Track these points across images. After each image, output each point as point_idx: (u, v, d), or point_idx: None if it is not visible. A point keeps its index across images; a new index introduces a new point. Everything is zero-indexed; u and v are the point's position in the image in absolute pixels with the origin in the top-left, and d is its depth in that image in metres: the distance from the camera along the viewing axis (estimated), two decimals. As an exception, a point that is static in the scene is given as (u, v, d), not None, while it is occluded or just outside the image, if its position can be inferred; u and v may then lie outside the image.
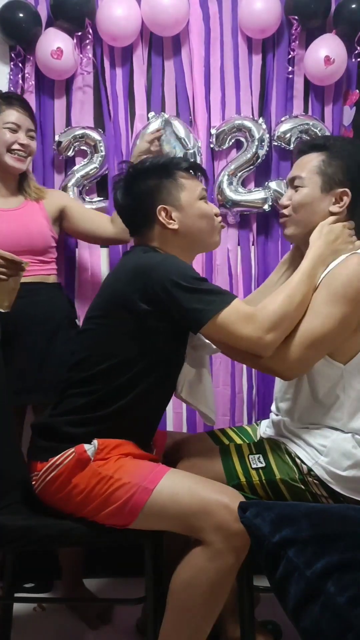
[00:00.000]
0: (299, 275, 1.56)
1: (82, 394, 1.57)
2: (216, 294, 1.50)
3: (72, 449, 1.53)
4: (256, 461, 1.60)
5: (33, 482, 1.58)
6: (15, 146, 2.03)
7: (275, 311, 1.49)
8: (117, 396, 1.56)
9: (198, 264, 2.37)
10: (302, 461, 1.58)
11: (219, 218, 1.71)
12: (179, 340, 1.61)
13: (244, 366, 2.40)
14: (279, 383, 1.77)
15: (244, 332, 1.48)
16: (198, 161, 2.31)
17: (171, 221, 1.63)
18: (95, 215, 2.24)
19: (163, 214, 1.62)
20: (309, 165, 1.67)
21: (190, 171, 1.70)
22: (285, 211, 1.72)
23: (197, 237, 1.67)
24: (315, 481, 1.57)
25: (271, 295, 1.56)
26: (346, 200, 1.64)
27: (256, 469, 1.59)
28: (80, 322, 2.19)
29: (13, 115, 2.04)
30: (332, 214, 1.65)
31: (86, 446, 1.53)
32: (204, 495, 1.45)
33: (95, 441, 1.53)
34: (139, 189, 1.65)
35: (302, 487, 1.57)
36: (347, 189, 1.64)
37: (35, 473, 1.57)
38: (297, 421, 1.66)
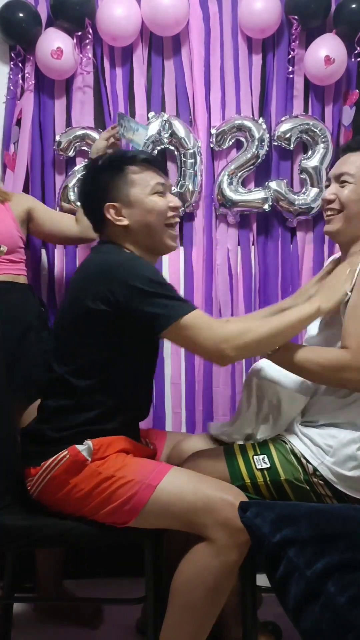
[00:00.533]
0: (295, 315, 1.58)
1: (61, 396, 1.58)
2: (177, 299, 1.52)
3: (65, 451, 1.52)
4: (261, 462, 1.60)
5: (28, 488, 1.57)
6: None
7: (240, 327, 1.52)
8: (95, 395, 1.56)
9: (198, 264, 2.37)
10: (307, 461, 1.58)
11: (174, 213, 1.66)
12: (147, 336, 1.58)
13: (244, 366, 2.40)
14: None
15: (202, 340, 1.49)
16: (198, 161, 2.32)
17: (120, 218, 1.62)
18: (60, 216, 2.25)
19: (112, 211, 1.61)
20: (358, 162, 1.70)
21: (143, 165, 1.65)
22: (334, 205, 1.72)
23: (148, 233, 1.63)
24: (320, 481, 1.57)
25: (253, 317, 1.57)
26: None
27: (261, 470, 1.59)
28: (51, 323, 2.19)
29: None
30: None
31: (79, 447, 1.52)
32: (208, 493, 1.46)
33: (88, 442, 1.53)
34: (90, 187, 1.66)
35: (307, 487, 1.57)
36: None
37: (30, 479, 1.56)
38: (310, 416, 1.66)
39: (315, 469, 1.57)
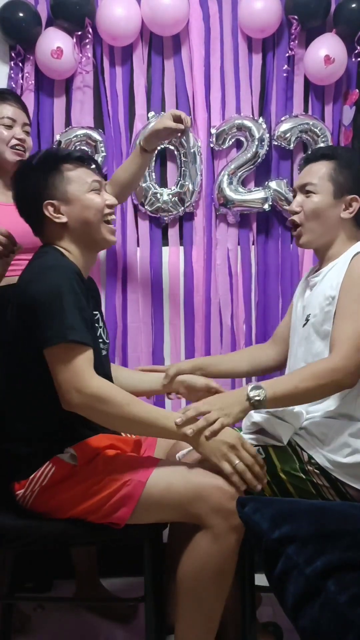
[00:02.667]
0: (154, 416, 1.49)
1: (20, 417, 1.56)
2: (73, 328, 1.44)
3: (49, 463, 1.52)
4: None
5: (19, 501, 1.55)
6: (13, 141, 2.02)
7: (106, 392, 1.45)
8: (50, 406, 1.51)
9: (198, 264, 2.37)
10: (302, 449, 1.59)
11: (110, 210, 1.66)
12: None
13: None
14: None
15: (61, 377, 1.45)
16: (198, 161, 2.32)
17: (59, 215, 1.61)
18: None
19: (50, 209, 1.60)
20: (321, 172, 1.74)
21: (78, 163, 1.64)
22: (296, 218, 1.76)
23: (86, 229, 1.62)
24: (316, 470, 1.57)
25: (120, 391, 1.51)
26: (356, 206, 1.72)
27: None
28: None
29: (8, 110, 2.02)
30: (341, 220, 1.72)
31: (62, 456, 1.52)
32: (197, 481, 1.47)
33: (69, 449, 1.52)
34: (25, 185, 1.64)
35: (303, 476, 1.57)
36: (356, 196, 1.72)
37: (18, 492, 1.55)
38: (307, 406, 1.66)
39: (310, 457, 1.58)
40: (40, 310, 1.46)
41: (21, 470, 1.54)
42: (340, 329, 1.57)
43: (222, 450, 1.45)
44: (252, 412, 1.59)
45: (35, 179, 1.62)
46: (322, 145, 2.30)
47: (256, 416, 1.64)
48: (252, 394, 1.50)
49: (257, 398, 1.49)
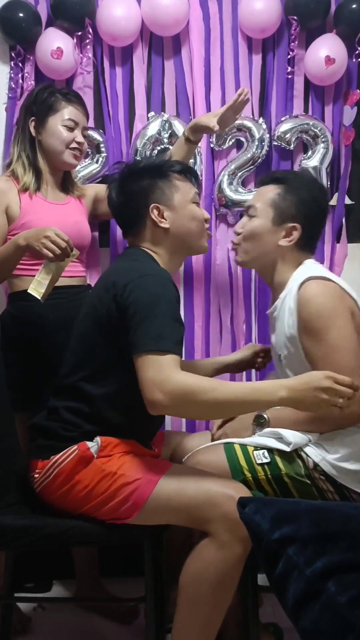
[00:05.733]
0: (246, 388, 1.49)
1: (75, 402, 1.58)
2: (163, 337, 1.45)
3: (75, 446, 1.54)
4: (261, 457, 1.60)
5: (34, 481, 1.58)
6: (73, 144, 2.03)
7: (191, 382, 1.43)
8: (109, 406, 1.57)
9: (198, 264, 2.37)
10: (307, 456, 1.59)
11: (208, 225, 1.73)
12: None
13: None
14: None
15: (145, 380, 1.43)
16: (198, 161, 2.32)
17: (163, 220, 1.64)
18: None
19: (155, 212, 1.64)
20: (265, 197, 1.76)
21: (184, 175, 1.71)
22: (235, 239, 1.80)
23: (186, 238, 1.68)
24: (321, 476, 1.58)
25: (208, 379, 1.52)
26: (295, 235, 1.72)
27: (261, 465, 1.59)
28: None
29: (72, 112, 2.03)
30: (279, 247, 1.71)
31: (89, 444, 1.54)
32: (209, 487, 1.47)
33: (97, 438, 1.54)
34: (133, 186, 1.67)
35: (308, 482, 1.58)
36: (297, 224, 1.71)
37: (37, 471, 1.57)
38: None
39: (315, 464, 1.58)
40: (138, 315, 1.47)
41: (49, 448, 1.56)
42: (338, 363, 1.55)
43: (321, 398, 1.41)
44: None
45: (146, 181, 1.66)
46: (322, 144, 2.30)
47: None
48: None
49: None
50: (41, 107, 2.01)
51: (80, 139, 2.03)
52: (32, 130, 2.02)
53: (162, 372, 1.42)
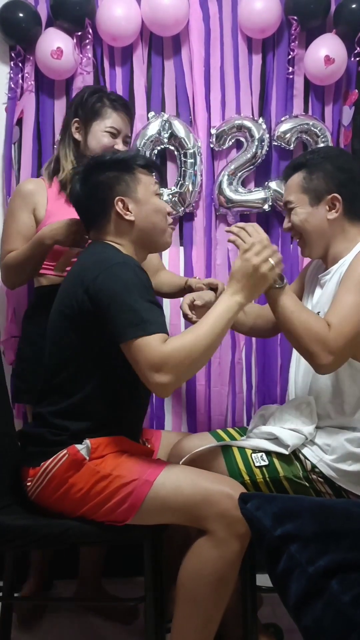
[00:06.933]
0: (213, 318, 1.50)
1: (58, 403, 1.58)
2: (145, 321, 1.45)
3: (65, 450, 1.53)
4: (259, 459, 1.60)
5: (27, 489, 1.58)
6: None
7: (181, 355, 1.44)
8: (93, 403, 1.57)
9: (198, 264, 2.37)
10: (305, 457, 1.59)
11: (170, 218, 1.73)
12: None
13: (244, 366, 2.40)
14: (300, 381, 1.77)
15: (140, 364, 1.44)
16: (198, 161, 2.32)
17: (128, 212, 1.64)
18: None
19: (120, 204, 1.63)
20: (294, 187, 1.76)
21: (147, 168, 1.71)
22: (293, 235, 1.80)
23: (151, 231, 1.67)
24: (319, 478, 1.58)
25: (183, 334, 1.52)
26: (338, 204, 1.71)
27: (259, 467, 1.59)
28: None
29: (117, 121, 2.04)
30: (331, 222, 1.71)
31: (78, 446, 1.53)
32: (206, 486, 1.47)
33: (87, 441, 1.54)
34: (98, 179, 1.66)
35: (306, 484, 1.58)
36: (336, 194, 1.70)
37: (30, 479, 1.57)
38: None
39: (313, 466, 1.58)
40: (115, 305, 1.46)
41: (39, 454, 1.56)
42: (339, 309, 1.57)
43: (257, 264, 1.51)
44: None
45: (109, 174, 1.66)
46: (322, 144, 2.30)
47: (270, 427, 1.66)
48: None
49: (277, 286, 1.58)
50: (87, 111, 2.03)
51: (120, 146, 2.05)
52: (73, 131, 2.05)
53: (154, 354, 1.42)
